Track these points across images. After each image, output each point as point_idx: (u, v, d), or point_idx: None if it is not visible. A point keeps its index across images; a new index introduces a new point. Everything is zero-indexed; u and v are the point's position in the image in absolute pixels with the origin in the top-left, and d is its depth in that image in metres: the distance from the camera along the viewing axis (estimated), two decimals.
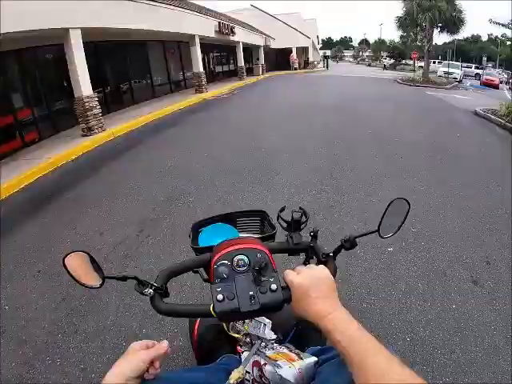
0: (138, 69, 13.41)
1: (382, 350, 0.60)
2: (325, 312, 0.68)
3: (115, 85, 11.82)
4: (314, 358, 0.82)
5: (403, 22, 20.99)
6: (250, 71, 25.77)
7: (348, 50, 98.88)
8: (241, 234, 1.17)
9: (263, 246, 0.86)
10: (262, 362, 0.82)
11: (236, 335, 0.99)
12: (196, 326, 1.14)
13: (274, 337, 0.92)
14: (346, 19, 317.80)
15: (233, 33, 17.82)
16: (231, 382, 0.75)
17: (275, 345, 0.90)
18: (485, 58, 42.17)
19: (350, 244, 0.86)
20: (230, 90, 16.25)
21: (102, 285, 0.78)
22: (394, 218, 0.88)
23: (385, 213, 0.87)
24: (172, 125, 8.80)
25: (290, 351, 0.86)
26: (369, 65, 48.84)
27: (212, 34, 15.63)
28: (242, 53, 21.17)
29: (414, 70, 27.21)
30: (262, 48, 26.44)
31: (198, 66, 14.30)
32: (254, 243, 0.85)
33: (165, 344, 0.73)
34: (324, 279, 0.74)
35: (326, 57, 40.84)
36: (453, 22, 18.99)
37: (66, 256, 0.76)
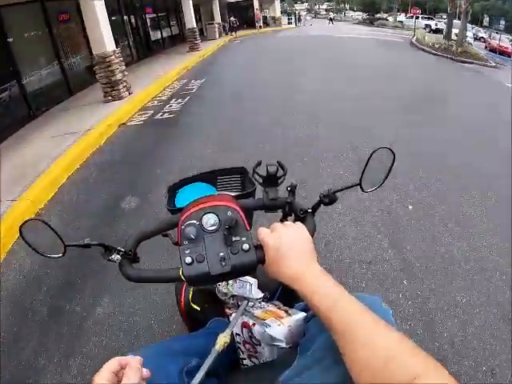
0: None
1: (366, 313, 0.52)
2: (300, 274, 0.59)
3: None
4: (303, 314, 0.75)
5: None
6: (202, 34, 17.45)
7: (297, 3, 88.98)
8: (219, 193, 1.03)
9: (235, 203, 0.73)
10: (251, 323, 0.76)
11: (223, 297, 0.88)
12: (182, 292, 1.05)
13: (261, 295, 0.83)
14: None
15: None
16: (217, 347, 0.67)
17: (263, 303, 0.83)
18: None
19: (329, 199, 0.75)
20: (180, 80, 8.17)
21: (64, 254, 0.68)
22: (378, 170, 0.74)
23: (367, 164, 0.72)
24: None
25: (278, 308, 0.80)
26: (330, 19, 39.53)
27: None
28: (192, 8, 12.85)
29: (415, 29, 20.32)
30: (217, 1, 17.89)
31: (102, 40, 6.03)
32: (225, 200, 0.73)
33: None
34: (300, 238, 0.65)
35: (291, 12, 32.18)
36: None
37: (23, 225, 0.64)
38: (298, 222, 0.70)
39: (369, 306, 0.54)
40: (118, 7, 11.32)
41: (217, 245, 0.67)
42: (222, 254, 0.66)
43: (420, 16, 29.85)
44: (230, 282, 0.84)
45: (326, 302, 0.54)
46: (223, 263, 0.65)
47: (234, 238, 0.67)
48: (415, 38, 17.26)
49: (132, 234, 0.78)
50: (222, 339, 0.68)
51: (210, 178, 1.09)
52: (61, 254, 0.69)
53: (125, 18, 11.75)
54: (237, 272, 0.67)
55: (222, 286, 0.85)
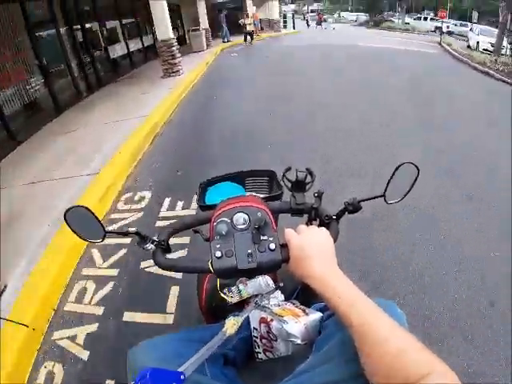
0: None
1: (382, 315, 0.55)
2: (322, 275, 0.62)
3: None
4: (319, 314, 0.76)
5: None
6: (181, 43, 13.05)
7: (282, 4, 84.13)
8: (248, 194, 1.07)
9: (265, 205, 0.78)
10: (269, 319, 0.76)
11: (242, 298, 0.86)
12: (204, 286, 1.04)
13: (273, 287, 0.80)
14: None
15: None
16: (223, 329, 0.70)
17: (281, 302, 0.82)
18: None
19: (353, 207, 0.78)
20: (127, 202, 3.25)
21: (103, 239, 0.73)
22: (401, 183, 0.77)
23: (391, 177, 0.75)
24: None
25: (296, 307, 0.79)
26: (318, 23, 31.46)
27: None
28: (167, 9, 8.22)
29: (441, 35, 16.35)
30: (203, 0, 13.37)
31: None
32: (255, 202, 0.78)
33: None
34: (324, 242, 0.68)
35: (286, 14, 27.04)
36: None
37: (68, 211, 0.70)
38: (323, 227, 0.71)
39: (384, 309, 0.56)
40: (52, 16, 6.82)
41: (245, 242, 0.70)
42: (249, 250, 0.69)
43: (429, 17, 26.02)
44: (241, 287, 0.80)
45: (345, 303, 0.56)
46: (250, 259, 0.68)
47: (261, 237, 0.69)
48: (451, 48, 13.44)
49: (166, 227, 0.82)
50: (231, 322, 0.69)
51: (238, 178, 1.10)
52: (100, 239, 0.73)
53: (62, 30, 7.24)
54: (262, 269, 0.69)
55: (234, 298, 0.81)
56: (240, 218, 0.73)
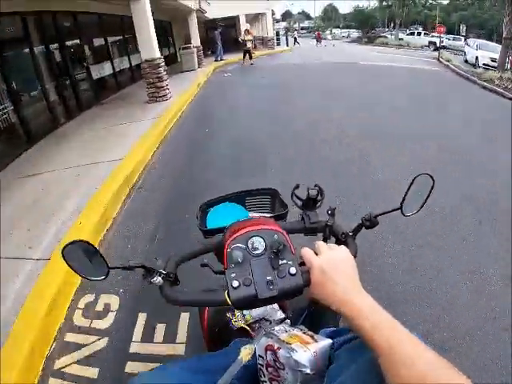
0: None
1: (409, 336, 0.52)
2: (347, 297, 0.57)
3: None
4: (329, 341, 0.69)
5: None
6: (171, 62, 12.23)
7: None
8: (250, 214, 1.01)
9: (279, 226, 0.71)
10: (276, 346, 0.69)
11: (247, 323, 0.86)
12: (206, 313, 0.98)
13: (282, 316, 0.81)
14: None
15: None
16: (239, 357, 0.64)
17: (287, 327, 0.76)
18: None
19: (370, 223, 0.74)
20: None
21: (106, 276, 0.64)
22: (417, 195, 0.75)
23: (408, 189, 0.73)
24: None
25: (304, 333, 0.73)
26: (295, 39, 28.59)
27: None
28: (153, 26, 7.25)
29: (439, 50, 15.93)
30: (195, 15, 12.62)
31: None
32: (270, 224, 0.70)
33: None
34: (345, 261, 0.63)
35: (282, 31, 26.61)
36: None
37: (66, 247, 0.62)
38: (342, 246, 0.67)
39: None
40: (25, 34, 5.93)
41: (263, 268, 0.64)
42: (269, 277, 0.62)
43: (422, 32, 25.97)
44: (246, 311, 0.77)
45: (371, 324, 0.53)
46: (271, 287, 0.62)
47: (280, 262, 0.64)
48: (453, 64, 12.94)
49: (171, 255, 0.73)
50: (246, 350, 0.65)
51: (238, 198, 1.03)
52: (104, 276, 0.65)
53: (37, 49, 6.35)
54: (284, 295, 0.63)
55: (238, 322, 0.78)
56: (256, 243, 0.66)
